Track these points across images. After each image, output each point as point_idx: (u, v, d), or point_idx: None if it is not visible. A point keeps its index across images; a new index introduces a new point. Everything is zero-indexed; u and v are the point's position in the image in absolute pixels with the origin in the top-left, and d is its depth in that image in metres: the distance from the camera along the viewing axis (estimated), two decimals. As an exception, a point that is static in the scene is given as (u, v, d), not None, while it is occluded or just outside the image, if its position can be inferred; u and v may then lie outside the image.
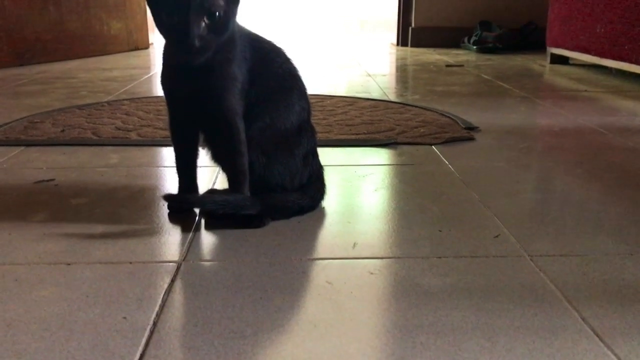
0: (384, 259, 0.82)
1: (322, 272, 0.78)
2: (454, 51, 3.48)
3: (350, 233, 0.91)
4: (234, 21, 0.83)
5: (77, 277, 0.77)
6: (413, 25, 3.73)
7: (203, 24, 0.76)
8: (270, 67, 0.93)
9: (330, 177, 1.19)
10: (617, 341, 0.63)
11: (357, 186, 1.14)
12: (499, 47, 3.40)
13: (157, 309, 0.69)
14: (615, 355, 0.60)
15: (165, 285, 0.74)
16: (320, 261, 0.82)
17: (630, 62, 2.18)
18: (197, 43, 0.75)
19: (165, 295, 0.72)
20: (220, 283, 0.75)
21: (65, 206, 1.02)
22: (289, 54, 0.99)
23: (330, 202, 1.04)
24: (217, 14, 0.77)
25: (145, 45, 3.62)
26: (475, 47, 3.45)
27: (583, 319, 0.67)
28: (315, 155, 1.01)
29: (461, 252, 0.84)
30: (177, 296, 0.72)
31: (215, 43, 0.78)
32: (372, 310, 0.70)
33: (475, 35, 3.48)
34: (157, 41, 4.00)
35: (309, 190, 0.97)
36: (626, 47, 2.19)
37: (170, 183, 1.14)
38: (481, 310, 0.69)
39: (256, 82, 0.90)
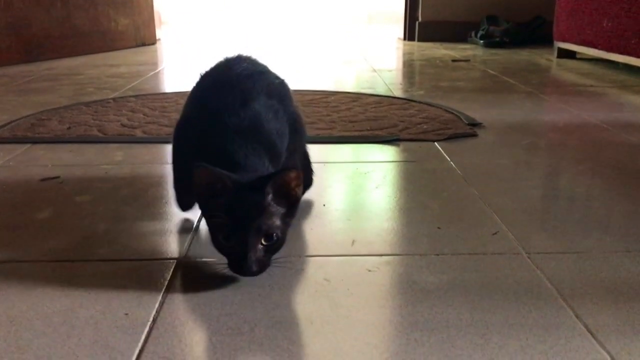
0: (382, 256, 0.83)
1: (320, 270, 0.79)
2: (461, 46, 3.47)
3: (350, 230, 0.92)
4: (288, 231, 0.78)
5: (79, 275, 0.78)
6: (420, 19, 3.72)
7: (260, 246, 0.72)
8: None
9: (333, 175, 1.20)
10: (610, 338, 0.63)
11: (359, 183, 1.14)
12: (506, 41, 3.39)
13: (157, 305, 0.70)
14: (607, 352, 0.61)
15: (166, 283, 0.76)
16: (319, 258, 0.83)
17: (637, 56, 2.17)
18: (255, 268, 0.71)
19: (165, 292, 0.73)
20: (219, 280, 0.76)
21: (70, 204, 1.03)
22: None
23: (331, 200, 1.05)
24: (275, 235, 0.73)
25: (152, 41, 3.64)
26: (482, 41, 3.44)
27: (577, 316, 0.68)
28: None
29: (459, 250, 0.85)
30: (177, 293, 0.74)
31: (270, 260, 0.74)
32: (368, 307, 0.70)
33: (483, 30, 3.47)
34: (164, 37, 4.02)
35: None
36: (633, 42, 2.18)
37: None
38: (476, 307, 0.70)
39: None
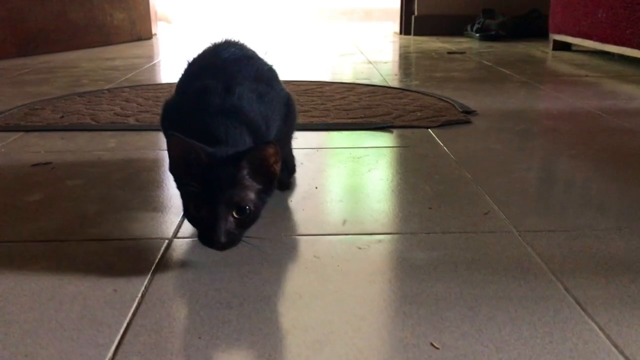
0: (373, 235, 0.83)
1: (310, 248, 0.79)
2: (457, 39, 3.47)
3: (341, 211, 0.92)
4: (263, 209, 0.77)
5: (69, 253, 0.78)
6: (416, 13, 3.72)
7: (231, 218, 0.71)
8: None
9: (325, 160, 1.20)
10: (599, 310, 0.63)
11: (351, 167, 1.14)
12: (502, 34, 3.39)
13: (146, 282, 0.70)
14: (596, 323, 0.61)
15: (156, 261, 0.76)
16: (309, 237, 0.83)
17: (632, 46, 2.16)
18: (223, 239, 0.69)
19: (154, 270, 0.73)
20: (209, 259, 0.76)
21: (61, 187, 1.03)
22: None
23: (323, 183, 1.05)
24: (247, 208, 0.72)
25: (149, 36, 3.63)
26: (478, 35, 3.43)
27: (566, 290, 0.68)
28: None
29: (450, 229, 0.84)
30: (167, 270, 0.73)
31: (242, 235, 0.73)
32: (357, 282, 0.70)
33: (478, 23, 3.47)
34: (160, 32, 4.01)
35: None
36: (627, 32, 2.18)
37: (166, 169, 1.15)
38: (465, 282, 0.70)
39: None
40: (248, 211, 0.72)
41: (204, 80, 0.87)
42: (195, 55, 0.98)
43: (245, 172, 0.72)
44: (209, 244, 0.71)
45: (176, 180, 0.77)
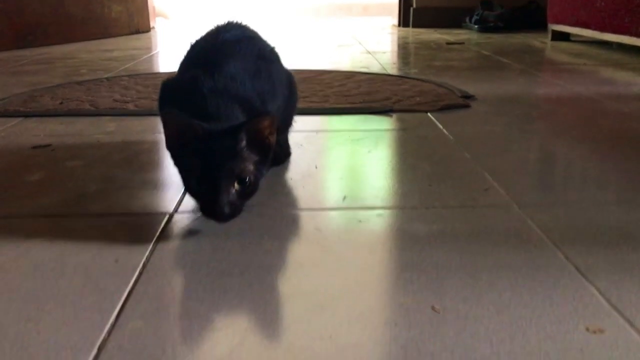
0: (373, 209, 0.83)
1: (311, 221, 0.79)
2: (456, 31, 3.47)
3: (341, 188, 0.92)
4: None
5: (70, 227, 0.78)
6: (414, 5, 3.72)
7: (233, 190, 0.72)
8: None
9: (325, 142, 1.20)
10: (599, 277, 0.64)
11: (351, 149, 1.14)
12: (501, 26, 3.39)
13: (147, 253, 0.70)
14: (596, 288, 0.61)
15: (157, 234, 0.76)
16: (310, 211, 0.83)
17: (630, 34, 2.17)
18: (227, 210, 0.70)
19: (156, 242, 0.73)
20: (211, 231, 0.76)
21: (61, 168, 1.03)
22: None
23: (323, 163, 1.05)
24: (248, 179, 0.73)
25: (147, 29, 3.63)
26: (476, 26, 3.43)
27: (567, 258, 0.68)
28: None
29: (449, 203, 0.85)
30: (168, 242, 0.74)
31: (243, 206, 0.74)
32: (358, 252, 0.71)
33: (477, 15, 3.47)
34: (158, 25, 4.01)
35: None
36: (626, 20, 2.18)
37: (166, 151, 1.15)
38: (466, 251, 0.70)
39: None
40: (248, 182, 0.73)
41: (202, 61, 0.87)
42: (197, 37, 0.98)
43: (243, 144, 0.73)
44: (212, 216, 0.72)
45: (174, 156, 0.78)
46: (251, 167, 0.74)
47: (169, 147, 0.77)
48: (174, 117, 0.72)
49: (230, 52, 0.89)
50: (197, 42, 0.97)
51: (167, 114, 0.73)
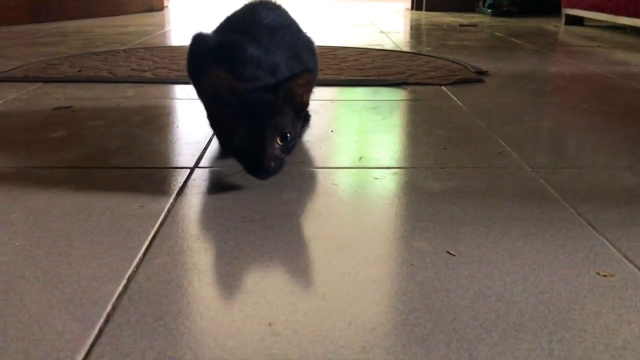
0: (389, 169, 0.85)
1: (329, 177, 0.81)
2: (469, 14, 3.47)
3: (357, 150, 0.94)
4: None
5: (94, 177, 0.81)
6: (428, -12, 3.71)
7: (276, 145, 0.74)
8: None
9: (340, 109, 1.22)
10: (610, 230, 0.65)
11: (366, 116, 1.16)
12: (514, 10, 3.38)
13: (171, 200, 0.73)
14: (607, 239, 0.63)
15: (179, 185, 0.78)
16: (328, 169, 0.85)
17: (645, 17, 2.16)
18: (273, 164, 0.72)
19: (179, 192, 0.75)
20: (231, 185, 0.78)
21: (83, 126, 1.05)
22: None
23: (339, 127, 1.07)
24: (289, 135, 0.74)
25: (160, 7, 3.64)
26: (490, 10, 3.43)
27: (578, 214, 0.70)
28: None
29: (464, 164, 0.86)
30: (191, 192, 0.76)
31: (285, 162, 0.76)
32: (374, 204, 0.73)
33: (491, -1, 3.46)
34: (172, 4, 4.02)
35: None
36: (641, 3, 2.17)
37: (185, 113, 1.17)
38: (480, 206, 0.72)
39: None
40: (289, 138, 0.75)
41: (240, 32, 0.90)
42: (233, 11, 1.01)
43: (283, 100, 0.75)
44: (259, 172, 0.73)
45: (212, 112, 0.79)
46: (291, 123, 0.76)
47: (208, 105, 0.79)
48: (219, 73, 0.74)
49: (268, 29, 0.92)
50: (235, 14, 1.00)
51: (213, 70, 0.73)
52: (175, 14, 3.57)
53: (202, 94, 0.84)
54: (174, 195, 0.74)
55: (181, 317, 0.49)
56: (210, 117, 0.80)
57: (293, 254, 0.60)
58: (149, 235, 0.63)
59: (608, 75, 1.55)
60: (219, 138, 0.84)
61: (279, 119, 0.74)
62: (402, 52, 1.94)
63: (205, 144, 0.95)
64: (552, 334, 0.47)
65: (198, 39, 0.93)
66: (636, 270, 0.57)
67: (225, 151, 0.89)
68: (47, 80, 1.43)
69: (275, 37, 0.92)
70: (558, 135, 1.05)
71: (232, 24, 0.96)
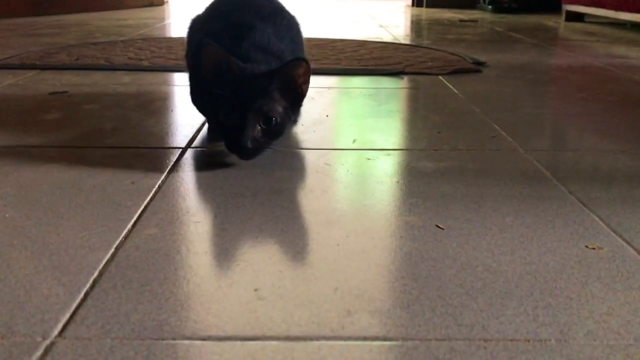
0: (382, 150, 0.85)
1: (321, 158, 0.81)
2: (469, 11, 3.46)
3: (351, 133, 0.94)
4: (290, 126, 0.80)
5: (87, 156, 0.81)
6: (428, -15, 3.70)
7: (259, 127, 0.74)
8: None
9: (336, 96, 1.22)
10: (600, 207, 0.65)
11: (362, 102, 1.16)
12: (515, 7, 3.38)
13: (163, 177, 0.73)
14: (597, 215, 0.63)
15: (171, 163, 0.78)
16: (321, 150, 0.85)
17: (645, 12, 2.16)
18: (250, 144, 0.72)
19: (170, 169, 0.75)
20: (223, 163, 0.78)
21: (78, 110, 1.05)
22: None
23: (334, 112, 1.07)
24: (274, 119, 0.74)
25: (160, 2, 3.64)
26: (490, 7, 3.43)
27: (570, 192, 0.69)
28: None
29: (457, 147, 0.86)
30: (182, 170, 0.76)
31: (267, 145, 0.76)
32: (366, 183, 0.73)
33: (491, -5, 3.45)
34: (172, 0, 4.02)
35: None
36: (641, -3, 2.17)
37: (181, 99, 1.17)
38: (471, 184, 0.72)
39: None
40: (274, 122, 0.74)
41: (233, 14, 0.89)
42: None
43: (276, 86, 0.75)
44: (236, 149, 0.73)
45: (204, 87, 0.79)
46: (280, 109, 0.75)
47: (201, 78, 0.78)
48: (214, 49, 0.74)
49: (262, 13, 0.91)
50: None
51: (208, 45, 0.74)
52: (174, 8, 3.57)
53: (196, 68, 0.83)
54: (165, 173, 0.74)
55: (167, 283, 0.49)
56: (202, 87, 0.79)
57: (282, 227, 0.60)
58: (139, 208, 0.63)
59: (606, 67, 1.55)
60: (204, 113, 0.83)
61: (265, 102, 0.74)
62: (400, 44, 1.94)
63: (199, 126, 0.95)
64: (538, 301, 0.47)
65: (197, 19, 0.93)
66: (624, 243, 0.57)
67: (212, 132, 0.90)
68: (44, 68, 1.43)
69: (276, 23, 0.91)
70: (553, 121, 1.05)
71: (226, 8, 0.95)
